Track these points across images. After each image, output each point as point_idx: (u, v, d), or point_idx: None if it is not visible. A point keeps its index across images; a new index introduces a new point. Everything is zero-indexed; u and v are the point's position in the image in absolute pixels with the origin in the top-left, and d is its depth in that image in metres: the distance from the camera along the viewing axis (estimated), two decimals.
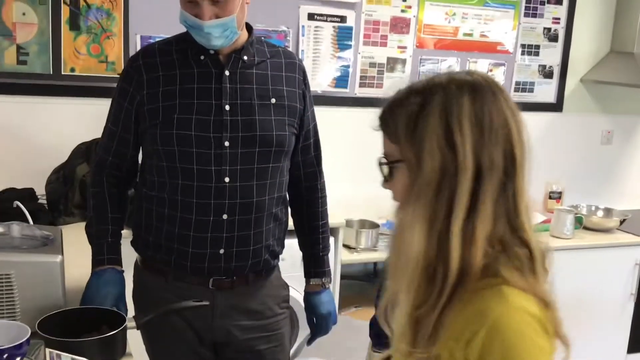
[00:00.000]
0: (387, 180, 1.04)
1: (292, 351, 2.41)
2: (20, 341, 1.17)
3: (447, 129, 0.96)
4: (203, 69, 1.67)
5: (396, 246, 1.01)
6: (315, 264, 1.92)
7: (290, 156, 1.79)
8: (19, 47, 2.68)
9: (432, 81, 1.01)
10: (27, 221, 2.15)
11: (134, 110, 1.69)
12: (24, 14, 2.67)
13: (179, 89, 1.65)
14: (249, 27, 1.73)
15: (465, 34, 3.46)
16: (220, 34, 1.61)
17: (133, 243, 1.81)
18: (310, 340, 2.00)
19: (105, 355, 1.44)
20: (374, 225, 3.05)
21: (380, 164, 1.04)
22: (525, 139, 1.00)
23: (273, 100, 1.70)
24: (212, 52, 1.67)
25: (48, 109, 2.73)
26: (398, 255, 1.01)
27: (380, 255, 3.02)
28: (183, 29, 1.69)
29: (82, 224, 2.34)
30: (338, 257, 2.83)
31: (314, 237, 1.91)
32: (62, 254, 1.59)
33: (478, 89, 0.98)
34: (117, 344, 1.48)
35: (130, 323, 1.52)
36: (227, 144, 1.65)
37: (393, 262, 1.02)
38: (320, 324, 1.93)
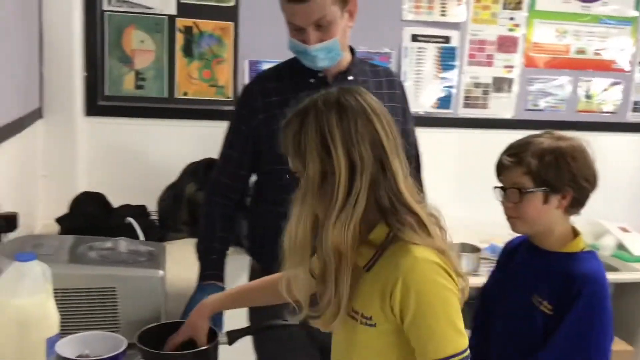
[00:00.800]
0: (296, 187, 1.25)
1: None
2: (117, 352, 1.25)
3: (322, 140, 1.19)
4: (312, 91, 1.75)
5: (289, 234, 1.24)
6: None
7: None
8: (137, 73, 2.87)
9: (306, 104, 1.25)
10: (138, 236, 2.30)
11: (251, 134, 1.83)
12: (142, 41, 2.87)
13: None
14: (351, 49, 1.87)
15: (577, 52, 3.33)
16: (325, 55, 1.75)
17: (254, 254, 1.95)
18: None
19: None
20: (475, 249, 2.98)
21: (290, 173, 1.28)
22: (390, 125, 1.23)
23: None
24: (320, 74, 1.81)
25: (161, 130, 2.91)
26: (290, 242, 1.23)
27: (481, 280, 2.93)
28: (288, 53, 1.83)
29: (189, 240, 2.49)
30: None
31: None
32: (164, 269, 1.68)
33: (342, 102, 1.21)
34: (210, 359, 1.55)
35: (222, 339, 1.58)
36: None
37: (287, 247, 1.25)
38: None
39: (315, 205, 1.21)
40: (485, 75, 3.25)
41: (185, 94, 2.93)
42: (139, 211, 2.58)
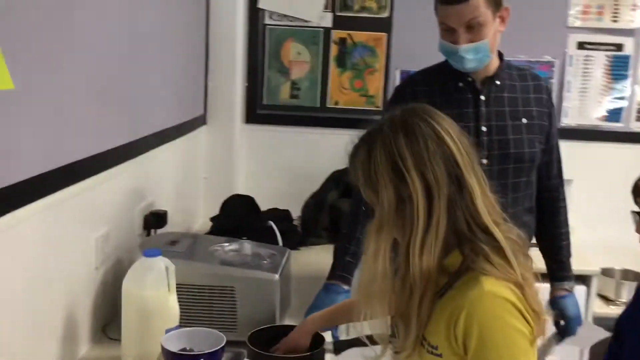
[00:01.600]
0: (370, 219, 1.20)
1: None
2: (215, 349, 1.33)
3: (393, 165, 1.14)
4: (461, 95, 1.86)
5: (366, 269, 1.19)
6: (560, 269, 2.02)
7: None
8: (293, 83, 3.01)
9: (371, 129, 1.20)
10: (277, 240, 2.40)
11: None
12: (299, 53, 2.99)
13: None
14: (500, 54, 1.90)
15: None
16: (474, 56, 1.78)
17: None
18: (559, 341, 2.07)
19: None
20: (639, 277, 2.70)
21: (366, 208, 1.23)
22: (462, 141, 1.17)
23: (524, 120, 1.87)
24: (469, 78, 1.85)
25: (312, 138, 3.02)
26: (369, 276, 1.18)
27: None
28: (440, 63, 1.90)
29: (327, 247, 2.55)
30: (590, 309, 2.57)
31: (558, 244, 2.01)
32: (280, 274, 1.74)
33: (409, 124, 1.16)
34: None
35: (328, 347, 1.60)
36: (484, 161, 1.81)
37: (364, 282, 1.20)
38: (568, 325, 2.01)
39: (393, 235, 1.16)
40: None
41: (337, 103, 3.00)
42: (283, 215, 2.69)
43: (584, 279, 2.55)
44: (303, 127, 3.02)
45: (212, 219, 2.65)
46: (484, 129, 1.84)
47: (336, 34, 2.97)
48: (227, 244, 1.85)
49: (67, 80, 1.51)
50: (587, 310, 2.56)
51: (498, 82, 1.87)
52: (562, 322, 2.02)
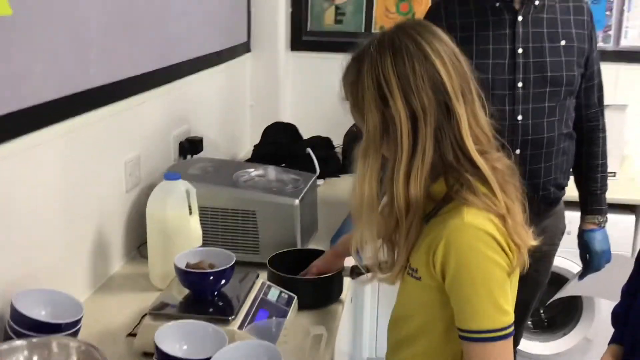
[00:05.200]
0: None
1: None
2: (224, 267, 1.38)
3: (378, 88, 1.09)
4: (497, 16, 1.81)
5: (355, 194, 1.16)
6: (591, 202, 1.97)
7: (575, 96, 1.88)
8: (337, 8, 2.94)
9: (361, 49, 1.14)
10: (315, 167, 2.41)
11: None
12: None
13: (475, 36, 1.80)
14: None
15: None
16: None
17: None
18: (581, 276, 2.06)
19: (318, 297, 1.58)
20: None
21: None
22: (454, 64, 1.11)
23: (563, 43, 1.81)
24: None
25: None
26: (357, 201, 1.16)
27: None
28: None
29: None
30: (638, 237, 2.49)
31: (593, 175, 1.96)
32: (302, 199, 1.76)
33: (397, 47, 1.09)
34: (332, 289, 1.60)
35: (346, 272, 1.62)
36: (520, 84, 1.79)
37: (354, 207, 1.17)
38: (592, 261, 1.99)
39: (379, 160, 1.14)
40: None
41: (382, 28, 2.92)
42: (324, 143, 2.69)
43: (632, 208, 2.46)
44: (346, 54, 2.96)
45: (255, 147, 2.68)
46: (520, 51, 1.79)
47: None
48: (252, 170, 1.88)
49: (85, 6, 1.54)
50: (635, 239, 2.48)
51: (537, 2, 1.81)
52: (587, 257, 2.00)
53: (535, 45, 1.80)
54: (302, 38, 3.00)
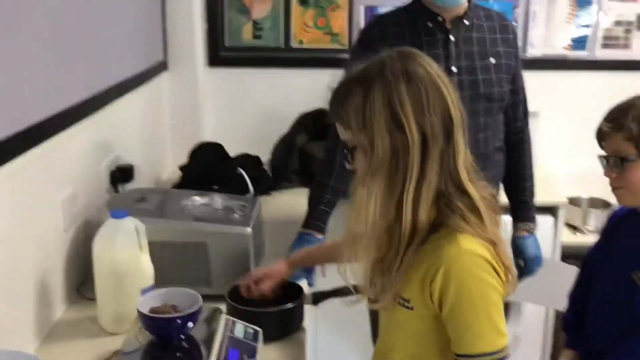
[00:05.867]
0: (350, 163, 1.18)
1: None
2: (192, 310, 1.32)
3: (392, 113, 1.10)
4: (431, 36, 1.85)
5: (358, 218, 1.15)
6: (522, 210, 2.06)
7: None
8: (254, 23, 2.92)
9: (368, 71, 1.14)
10: (248, 187, 2.38)
11: None
12: None
13: None
14: None
15: None
16: None
17: None
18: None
19: (281, 328, 1.55)
20: (606, 205, 2.76)
21: (344, 150, 1.18)
22: (454, 95, 1.15)
23: (492, 60, 1.88)
24: (439, 19, 1.84)
25: (278, 80, 2.95)
26: (361, 226, 1.15)
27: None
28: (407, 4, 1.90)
29: (299, 190, 2.54)
30: (558, 238, 2.63)
31: (522, 185, 2.05)
32: (252, 226, 1.73)
33: (412, 73, 1.11)
34: (294, 318, 1.59)
35: (306, 299, 1.61)
36: None
37: (356, 231, 1.16)
38: (525, 266, 2.05)
39: (385, 183, 1.13)
40: (630, 12, 2.91)
41: (301, 42, 2.93)
42: (253, 161, 2.66)
43: (551, 210, 2.60)
44: (268, 68, 2.95)
45: (182, 169, 2.61)
46: (454, 69, 1.85)
47: None
48: (197, 198, 1.83)
49: (20, 40, 1.44)
50: (555, 240, 2.61)
51: (467, 22, 1.87)
52: (521, 263, 2.06)
53: (467, 64, 1.86)
54: (220, 54, 2.94)
